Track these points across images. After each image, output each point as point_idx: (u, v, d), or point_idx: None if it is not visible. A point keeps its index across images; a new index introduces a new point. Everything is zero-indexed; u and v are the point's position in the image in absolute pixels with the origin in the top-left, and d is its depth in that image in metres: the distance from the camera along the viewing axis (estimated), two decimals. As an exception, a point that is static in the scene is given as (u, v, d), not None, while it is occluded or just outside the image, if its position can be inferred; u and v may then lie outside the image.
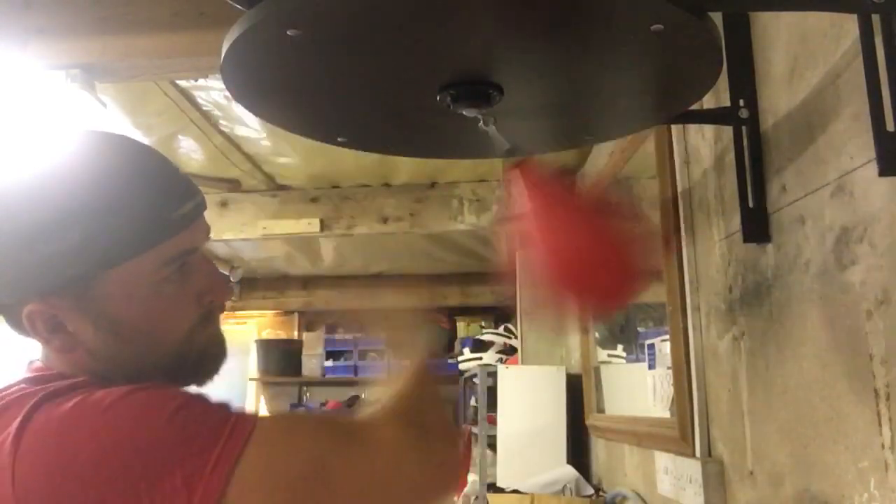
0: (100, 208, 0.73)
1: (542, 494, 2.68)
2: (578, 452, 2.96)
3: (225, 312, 0.85)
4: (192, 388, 0.81)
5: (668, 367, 1.71)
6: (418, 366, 0.91)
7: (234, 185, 3.38)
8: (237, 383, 5.63)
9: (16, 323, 0.76)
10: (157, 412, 0.68)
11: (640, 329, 2.25)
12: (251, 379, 5.70)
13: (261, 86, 0.97)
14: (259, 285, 5.46)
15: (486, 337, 4.06)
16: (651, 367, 1.94)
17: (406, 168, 3.24)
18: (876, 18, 0.86)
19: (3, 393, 0.73)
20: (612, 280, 1.04)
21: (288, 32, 0.79)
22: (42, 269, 0.72)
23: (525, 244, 1.06)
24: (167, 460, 0.65)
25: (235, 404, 0.73)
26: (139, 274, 0.75)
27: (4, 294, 0.75)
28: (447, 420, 0.87)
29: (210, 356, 0.83)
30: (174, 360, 0.79)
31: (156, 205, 0.76)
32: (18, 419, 0.67)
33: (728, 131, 1.27)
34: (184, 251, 0.77)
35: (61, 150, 0.77)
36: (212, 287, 0.82)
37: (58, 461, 0.65)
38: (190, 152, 2.98)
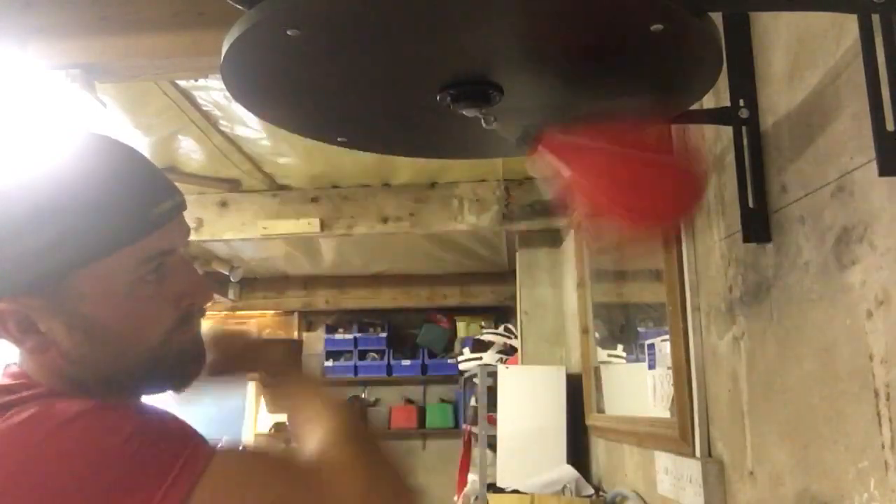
0: (75, 205, 0.71)
1: (542, 494, 2.69)
2: (578, 452, 2.96)
3: (205, 316, 0.83)
4: (166, 400, 0.80)
5: (668, 367, 1.71)
6: (340, 403, 0.87)
7: (234, 185, 3.38)
8: (237, 383, 5.62)
9: None
10: (110, 436, 0.66)
11: (640, 329, 2.25)
12: (251, 379, 5.69)
13: (261, 86, 0.97)
14: (259, 285, 5.46)
15: (486, 337, 4.06)
16: (651, 367, 1.94)
17: (406, 168, 3.24)
18: (876, 18, 0.86)
19: None
20: (662, 191, 0.97)
21: (288, 32, 0.79)
22: (15, 267, 0.70)
23: (576, 202, 0.99)
24: (116, 486, 0.63)
25: (194, 432, 0.71)
26: (114, 273, 0.73)
27: None
28: (396, 466, 0.81)
29: (186, 362, 0.81)
30: (149, 365, 0.77)
31: (132, 202, 0.74)
32: None
33: (728, 131, 1.27)
34: (161, 251, 0.76)
35: (38, 149, 0.76)
36: (191, 290, 0.79)
37: (5, 477, 0.64)
38: (190, 152, 2.98)
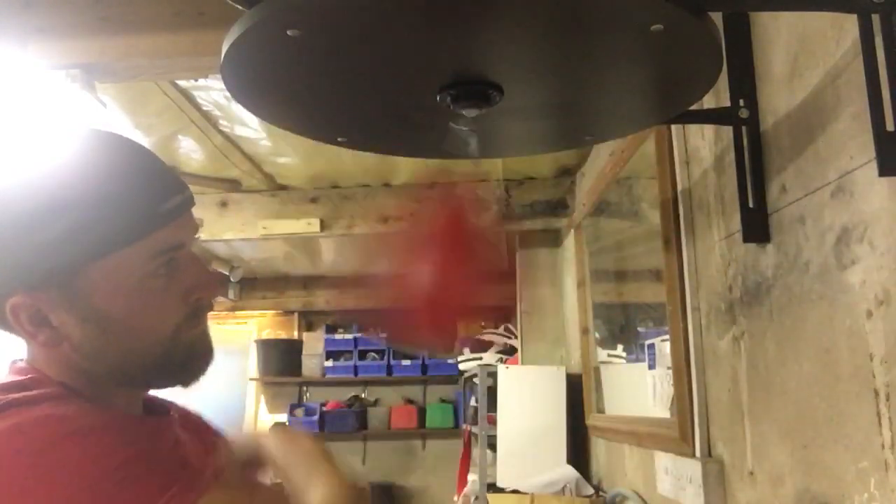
0: (86, 200, 0.72)
1: (542, 494, 2.69)
2: (578, 452, 2.96)
3: (213, 311, 0.84)
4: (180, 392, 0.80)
5: (668, 367, 1.71)
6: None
7: (234, 185, 3.38)
8: (237, 383, 5.63)
9: None
10: (100, 462, 0.66)
11: (640, 329, 2.25)
12: (251, 379, 5.70)
13: (261, 86, 0.97)
14: (259, 285, 5.46)
15: (486, 337, 4.06)
16: (651, 367, 1.94)
17: (406, 168, 3.24)
18: (876, 18, 0.86)
19: None
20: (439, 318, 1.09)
21: (288, 32, 0.79)
22: (28, 261, 0.71)
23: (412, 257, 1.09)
24: None
25: (185, 471, 0.70)
26: (125, 267, 0.74)
27: None
28: None
29: (197, 356, 0.81)
30: (160, 359, 0.78)
31: (142, 197, 0.75)
32: None
33: (728, 131, 1.27)
34: (171, 246, 0.77)
35: (49, 145, 0.77)
36: (200, 285, 0.80)
37: None
38: (190, 152, 2.98)
